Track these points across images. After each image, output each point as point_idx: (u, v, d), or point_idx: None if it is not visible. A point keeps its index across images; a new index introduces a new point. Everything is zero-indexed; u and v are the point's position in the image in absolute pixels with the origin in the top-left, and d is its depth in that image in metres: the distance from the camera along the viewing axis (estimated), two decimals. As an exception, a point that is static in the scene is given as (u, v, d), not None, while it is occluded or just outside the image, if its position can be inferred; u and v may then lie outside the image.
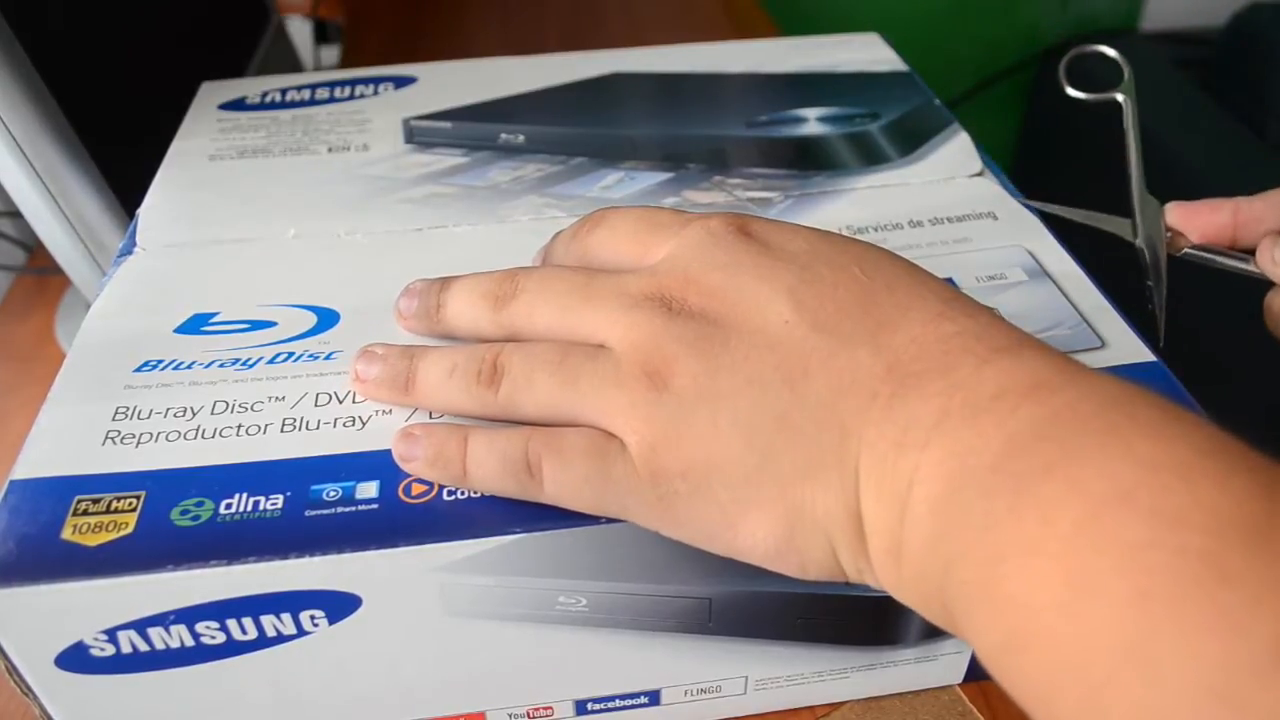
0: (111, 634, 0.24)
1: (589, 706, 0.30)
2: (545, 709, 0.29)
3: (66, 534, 0.24)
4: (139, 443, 0.26)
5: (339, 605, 0.25)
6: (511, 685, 0.29)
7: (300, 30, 0.72)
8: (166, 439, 0.26)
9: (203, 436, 0.26)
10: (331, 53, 0.75)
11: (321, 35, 0.75)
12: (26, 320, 0.52)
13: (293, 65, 0.67)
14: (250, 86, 0.45)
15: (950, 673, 0.31)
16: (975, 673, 0.31)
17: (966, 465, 0.20)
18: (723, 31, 0.76)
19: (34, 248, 0.57)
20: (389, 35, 0.78)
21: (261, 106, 0.43)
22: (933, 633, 0.29)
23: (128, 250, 0.34)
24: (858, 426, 0.22)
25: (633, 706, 0.30)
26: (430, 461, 0.25)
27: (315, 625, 0.25)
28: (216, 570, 0.23)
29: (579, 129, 0.42)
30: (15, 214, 0.41)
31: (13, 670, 0.25)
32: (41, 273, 0.54)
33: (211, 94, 0.45)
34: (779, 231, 0.26)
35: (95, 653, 0.24)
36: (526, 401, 0.25)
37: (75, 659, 0.24)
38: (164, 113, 0.47)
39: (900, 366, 0.22)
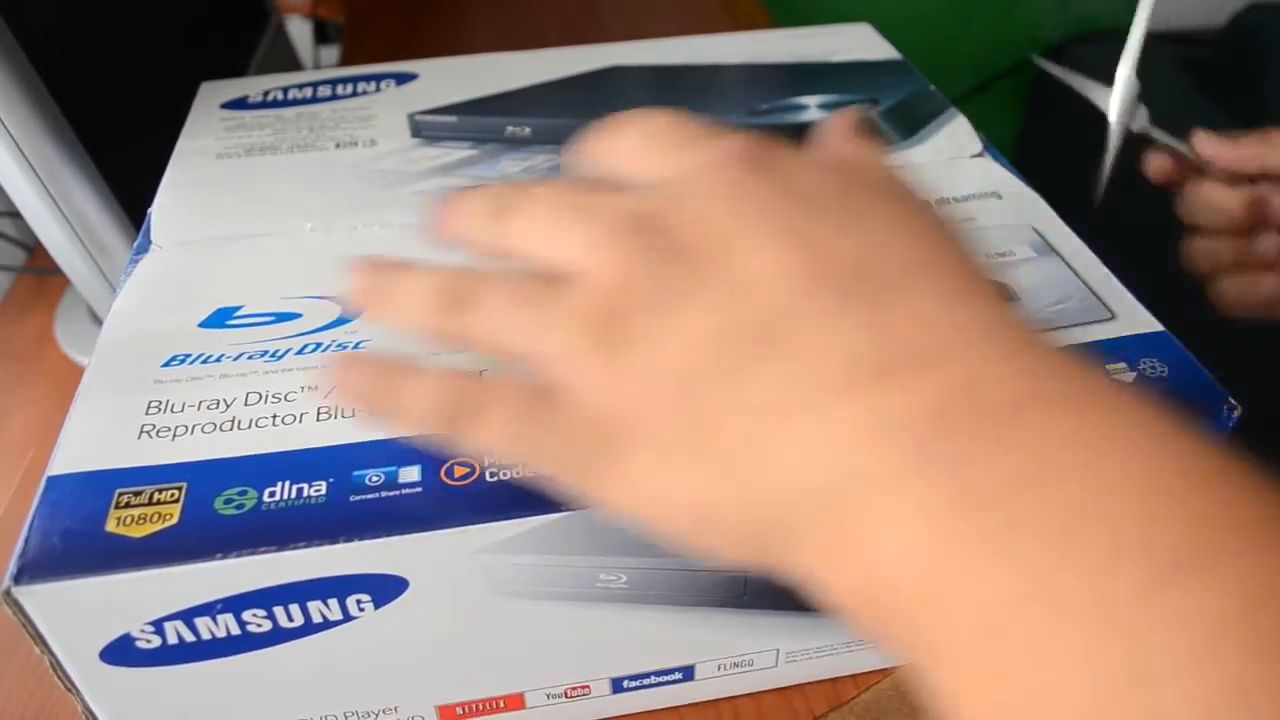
0: (158, 625, 0.24)
1: (625, 684, 0.30)
2: (582, 688, 0.29)
3: (111, 526, 0.24)
4: (175, 435, 0.26)
5: (385, 589, 0.25)
6: (551, 664, 0.29)
7: (300, 30, 0.72)
8: (202, 431, 0.26)
9: (239, 427, 0.26)
10: (331, 53, 0.75)
11: (321, 35, 0.75)
12: (26, 320, 0.52)
13: (293, 65, 0.67)
14: (251, 86, 0.45)
15: None
16: None
17: (966, 486, 0.17)
18: (722, 28, 0.76)
19: (34, 248, 0.57)
20: (389, 35, 0.78)
21: (264, 105, 0.43)
22: None
23: (143, 249, 0.34)
24: (827, 409, 0.19)
25: (668, 683, 0.30)
26: (358, 392, 0.23)
27: (361, 610, 0.25)
28: (265, 557, 0.23)
29: (585, 120, 0.41)
30: (15, 214, 0.41)
31: (56, 666, 0.24)
32: (41, 273, 0.54)
33: (213, 94, 0.44)
34: (805, 166, 0.23)
35: (141, 645, 0.24)
36: (486, 330, 0.23)
37: (121, 652, 0.24)
38: (164, 112, 0.47)
39: (892, 347, 0.19)
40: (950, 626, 0.17)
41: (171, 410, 0.27)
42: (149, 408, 0.27)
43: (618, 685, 0.30)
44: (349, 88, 0.44)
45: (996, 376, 0.18)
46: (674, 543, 0.21)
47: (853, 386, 0.19)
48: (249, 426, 0.26)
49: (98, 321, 0.48)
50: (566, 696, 0.30)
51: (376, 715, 0.28)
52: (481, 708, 0.29)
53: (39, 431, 0.45)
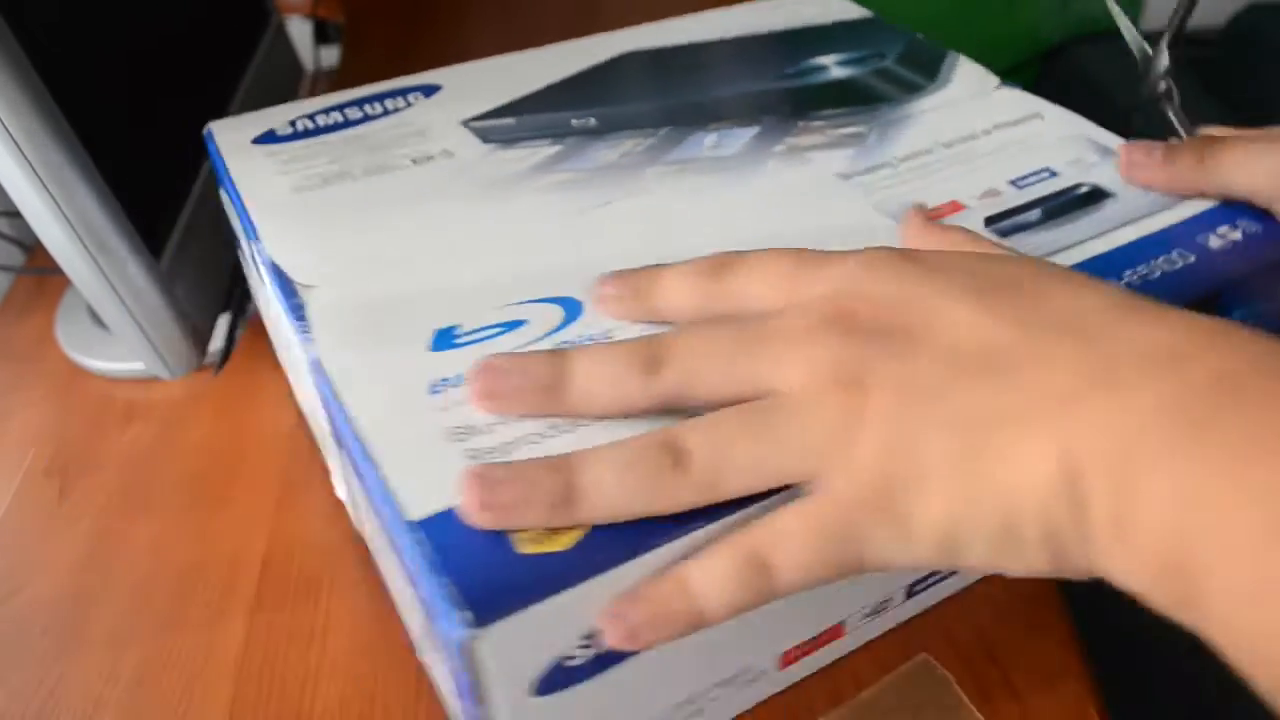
0: (591, 636, 0.24)
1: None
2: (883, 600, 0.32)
3: (524, 549, 0.23)
4: (502, 452, 0.25)
5: None
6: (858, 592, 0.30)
7: (300, 30, 0.72)
8: (528, 444, 0.25)
9: (562, 431, 0.26)
10: (331, 53, 0.75)
11: (321, 35, 0.75)
12: (26, 320, 0.52)
13: (293, 65, 0.67)
14: (267, 119, 0.43)
15: None
16: None
17: (1220, 446, 0.19)
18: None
19: (34, 248, 0.57)
20: (389, 35, 0.78)
21: (299, 136, 0.42)
22: None
23: (293, 293, 0.32)
24: (1070, 408, 0.21)
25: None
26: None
27: None
28: (694, 533, 0.24)
29: (644, 103, 0.43)
30: (15, 214, 0.41)
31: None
32: (41, 273, 0.54)
33: (232, 132, 0.42)
34: (935, 254, 0.26)
35: (573, 664, 0.24)
36: (729, 479, 0.23)
37: (554, 679, 0.24)
38: (164, 112, 0.47)
39: (1106, 352, 0.21)
40: (1227, 575, 0.18)
41: (479, 433, 0.26)
42: (453, 436, 0.26)
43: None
44: (378, 107, 0.43)
45: (1224, 367, 0.20)
46: (971, 566, 0.23)
47: (1083, 383, 0.21)
48: (571, 429, 0.26)
49: (97, 321, 0.48)
50: (874, 613, 0.31)
51: (732, 679, 0.29)
52: (810, 646, 0.31)
53: (39, 432, 0.45)
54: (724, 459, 0.23)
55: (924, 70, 0.43)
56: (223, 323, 0.47)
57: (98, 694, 0.34)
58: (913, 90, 0.42)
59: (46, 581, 0.38)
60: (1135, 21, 1.23)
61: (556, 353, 0.26)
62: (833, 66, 0.44)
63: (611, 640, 0.23)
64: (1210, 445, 0.19)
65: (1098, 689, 0.32)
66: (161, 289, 0.41)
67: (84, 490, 0.42)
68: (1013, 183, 0.36)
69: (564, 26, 0.52)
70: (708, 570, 0.23)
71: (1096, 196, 0.35)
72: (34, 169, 0.37)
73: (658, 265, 0.29)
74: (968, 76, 0.43)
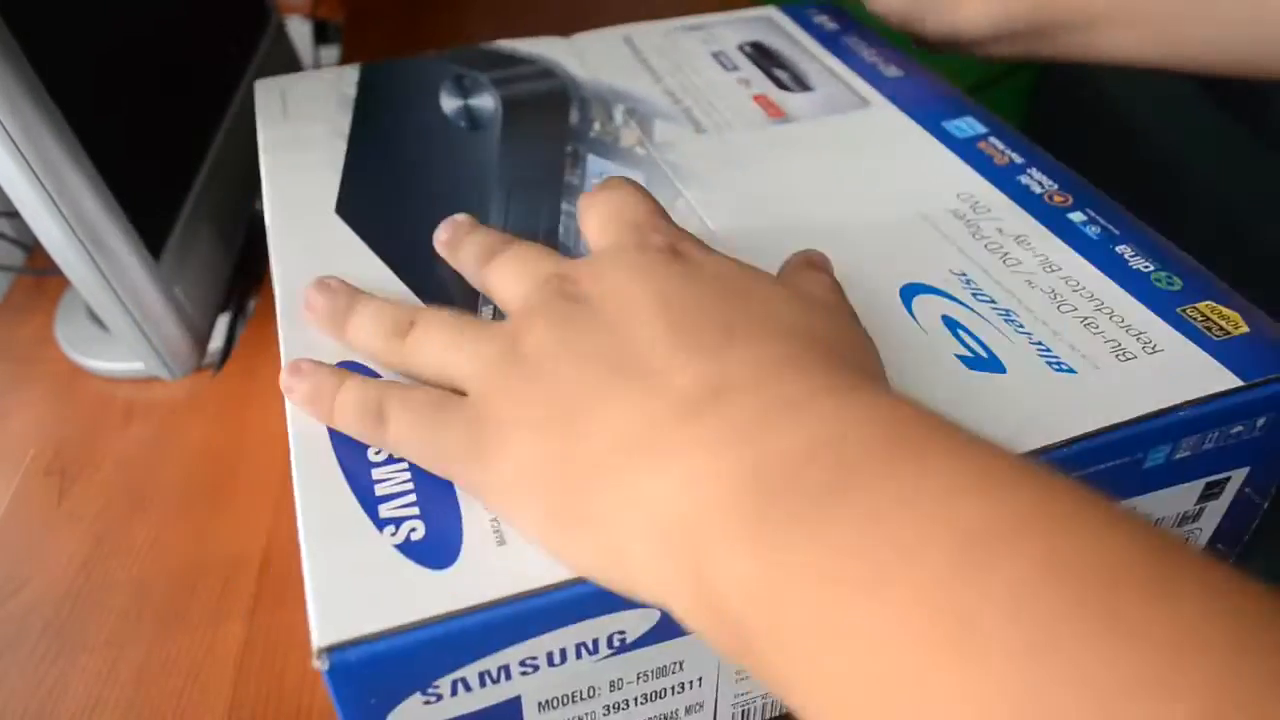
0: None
1: None
2: None
3: None
4: None
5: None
6: None
7: (300, 30, 0.72)
8: None
9: None
10: (331, 53, 0.75)
11: (321, 35, 0.75)
12: (26, 320, 0.52)
13: (293, 65, 0.67)
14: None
15: None
16: None
17: (784, 473, 0.19)
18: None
19: (33, 248, 0.57)
20: (389, 35, 0.78)
21: None
22: None
23: None
24: (663, 427, 0.22)
25: None
26: (306, 397, 0.28)
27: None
28: None
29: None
30: (14, 214, 0.41)
31: None
32: (41, 273, 0.54)
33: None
34: (703, 253, 0.27)
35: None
36: (419, 358, 0.28)
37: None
38: (165, 112, 0.47)
39: (723, 376, 0.22)
40: (780, 624, 0.19)
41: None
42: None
43: None
44: None
45: (814, 389, 0.21)
46: (532, 536, 0.24)
47: (675, 387, 0.22)
48: None
49: (97, 322, 0.48)
50: None
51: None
52: None
53: (39, 432, 0.45)
54: (425, 339, 0.28)
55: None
56: (222, 323, 0.47)
57: (98, 694, 0.34)
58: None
59: (46, 581, 0.38)
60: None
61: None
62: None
63: (283, 378, 0.29)
64: (772, 522, 0.19)
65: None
66: (161, 289, 0.41)
67: (84, 490, 0.42)
68: None
69: (565, 28, 0.52)
70: (352, 392, 0.27)
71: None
72: (33, 169, 0.37)
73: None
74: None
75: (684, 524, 0.20)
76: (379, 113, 0.43)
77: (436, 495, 0.26)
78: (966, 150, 0.40)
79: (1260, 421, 0.29)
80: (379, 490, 0.26)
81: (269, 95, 0.45)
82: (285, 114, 0.43)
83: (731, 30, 0.50)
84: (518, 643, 0.24)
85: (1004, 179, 0.38)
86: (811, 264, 0.30)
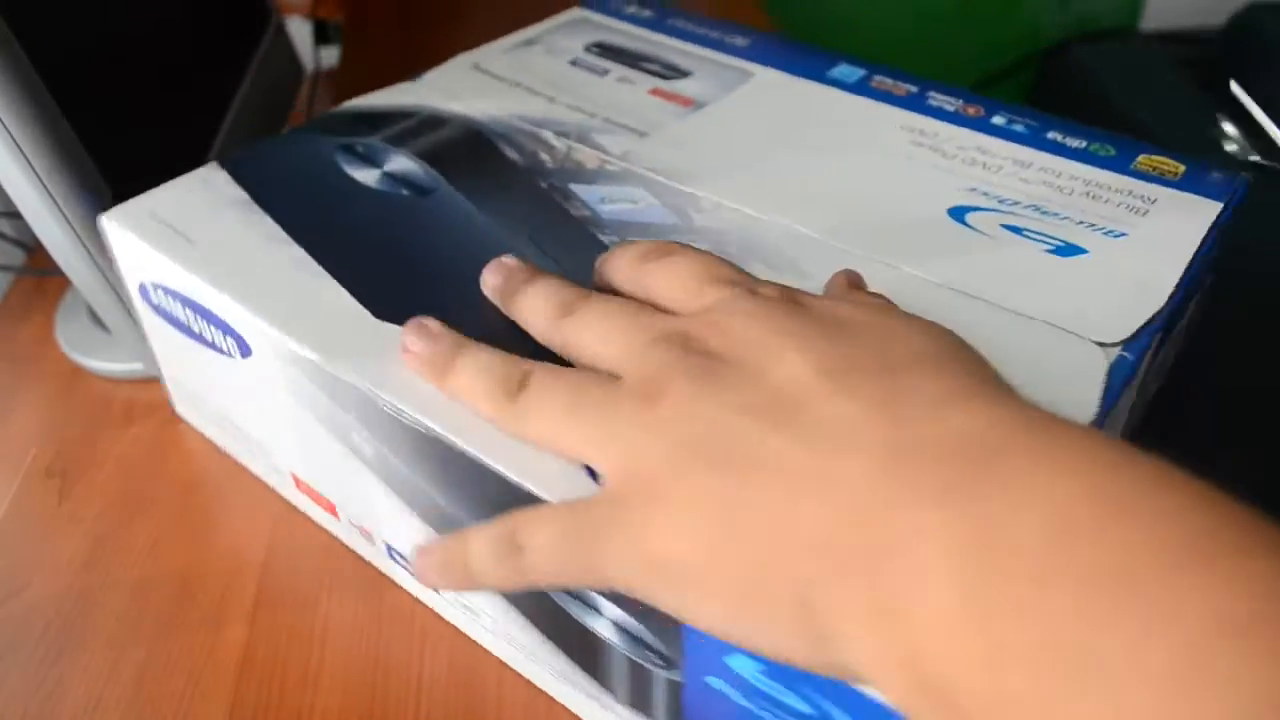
0: None
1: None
2: None
3: None
4: None
5: None
6: None
7: (300, 30, 0.72)
8: None
9: None
10: (331, 53, 0.75)
11: (322, 35, 0.75)
12: (26, 320, 0.52)
13: (293, 65, 0.67)
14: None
15: None
16: None
17: (1000, 548, 0.17)
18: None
19: (34, 248, 0.57)
20: (389, 35, 0.78)
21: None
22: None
23: None
24: (848, 479, 0.20)
25: None
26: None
27: None
28: None
29: None
30: (15, 214, 0.41)
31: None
32: (41, 273, 0.54)
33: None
34: (831, 303, 0.25)
35: None
36: (531, 423, 0.25)
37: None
38: (165, 112, 0.47)
39: (912, 426, 0.20)
40: (1000, 706, 0.17)
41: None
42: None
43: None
44: None
45: (999, 425, 0.20)
46: (673, 605, 0.22)
47: (863, 439, 0.20)
48: None
49: (97, 322, 0.48)
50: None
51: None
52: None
53: (39, 432, 0.45)
54: (540, 404, 0.25)
55: None
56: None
57: (98, 694, 0.34)
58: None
59: (46, 582, 0.38)
60: (1135, 21, 1.22)
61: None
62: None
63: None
64: (995, 579, 0.18)
65: None
66: (161, 290, 0.41)
67: (84, 491, 0.42)
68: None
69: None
70: (482, 537, 0.25)
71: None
72: (34, 169, 0.37)
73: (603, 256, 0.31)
74: None
75: (895, 600, 0.19)
76: (302, 207, 0.37)
77: None
78: (868, 91, 0.42)
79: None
80: None
81: (140, 222, 0.36)
82: (184, 237, 0.35)
83: (564, 38, 0.49)
84: None
85: (919, 106, 0.41)
86: (856, 284, 0.29)
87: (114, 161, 0.40)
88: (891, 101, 0.42)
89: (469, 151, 0.40)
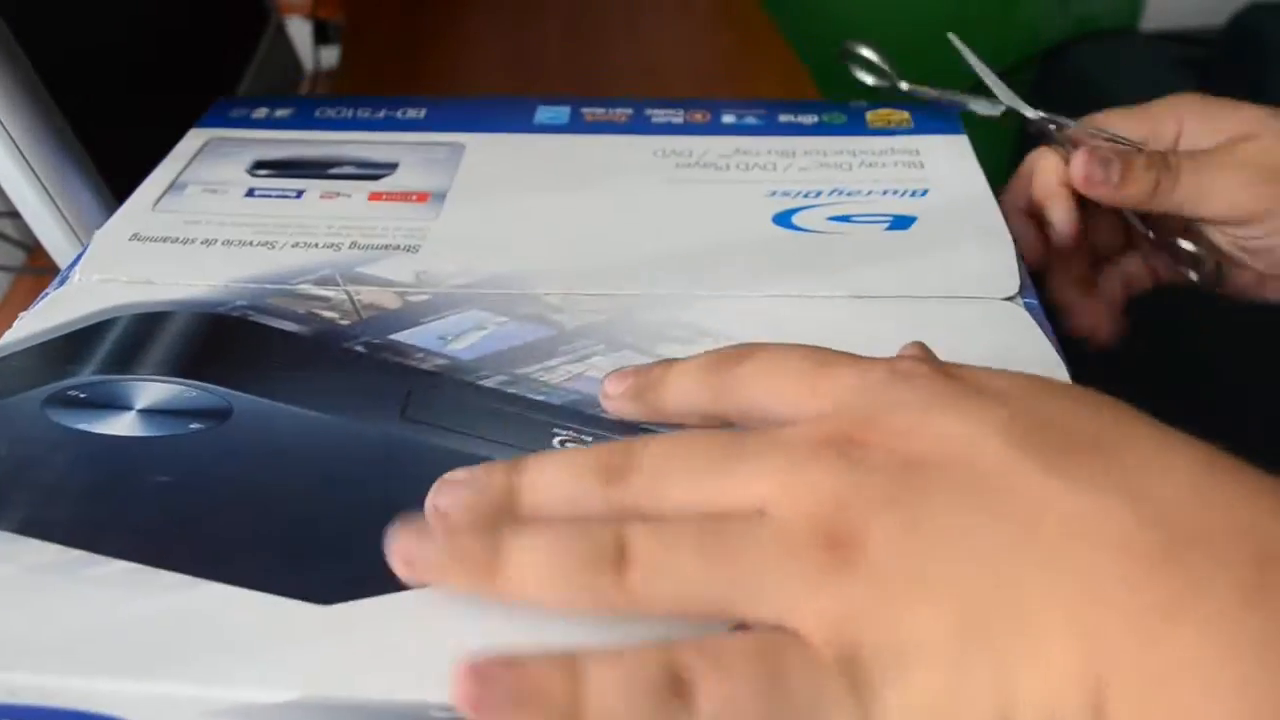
0: None
1: None
2: None
3: None
4: None
5: None
6: None
7: (300, 30, 0.72)
8: None
9: None
10: (331, 53, 0.75)
11: (322, 35, 0.75)
12: (26, 321, 0.52)
13: (293, 65, 0.67)
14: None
15: None
16: None
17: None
18: (718, 27, 0.76)
19: (34, 248, 0.57)
20: (389, 35, 0.78)
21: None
22: None
23: None
24: (1105, 589, 0.17)
25: None
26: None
27: None
28: None
29: None
30: (15, 214, 0.41)
31: None
32: (41, 273, 0.54)
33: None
34: (979, 371, 0.22)
35: None
36: (663, 593, 0.19)
37: None
38: (165, 112, 0.47)
39: (1170, 520, 0.18)
40: None
41: None
42: None
43: None
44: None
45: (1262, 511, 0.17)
46: None
47: (1137, 566, 0.17)
48: None
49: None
50: None
51: None
52: None
53: (39, 432, 0.45)
54: (667, 572, 0.19)
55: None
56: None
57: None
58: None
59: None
60: (1135, 21, 1.23)
61: (515, 462, 0.22)
62: None
63: (461, 688, 0.18)
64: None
65: None
66: (161, 289, 0.41)
67: (84, 491, 0.42)
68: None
69: (565, 28, 0.52)
70: (614, 667, 0.18)
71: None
72: (34, 169, 0.37)
73: (665, 361, 0.26)
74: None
75: None
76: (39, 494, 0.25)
77: None
78: (583, 127, 0.41)
79: None
80: None
81: None
82: None
83: (213, 169, 0.39)
84: None
85: (648, 128, 0.40)
86: (926, 357, 0.24)
87: (114, 161, 0.40)
88: (617, 131, 0.40)
89: (231, 342, 0.29)
